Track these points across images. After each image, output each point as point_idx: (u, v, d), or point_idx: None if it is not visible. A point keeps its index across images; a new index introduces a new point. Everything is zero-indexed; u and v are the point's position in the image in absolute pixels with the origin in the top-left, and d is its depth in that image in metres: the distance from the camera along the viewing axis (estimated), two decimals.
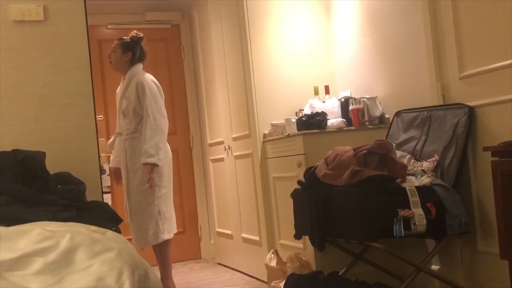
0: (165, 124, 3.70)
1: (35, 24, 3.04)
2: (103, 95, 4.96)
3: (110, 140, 4.00)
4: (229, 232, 4.51)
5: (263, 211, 3.84)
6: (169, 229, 3.75)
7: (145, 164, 3.58)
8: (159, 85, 3.80)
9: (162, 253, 3.78)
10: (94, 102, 3.15)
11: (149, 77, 3.78)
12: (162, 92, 3.81)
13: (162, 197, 3.71)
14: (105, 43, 4.94)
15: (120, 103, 3.84)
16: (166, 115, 3.74)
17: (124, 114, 3.78)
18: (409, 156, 3.07)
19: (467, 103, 2.88)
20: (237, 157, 4.24)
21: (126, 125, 3.78)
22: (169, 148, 3.85)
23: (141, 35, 3.87)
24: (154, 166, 3.58)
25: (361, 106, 3.54)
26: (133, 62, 3.82)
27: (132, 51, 3.82)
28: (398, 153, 3.11)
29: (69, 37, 3.10)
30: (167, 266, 3.79)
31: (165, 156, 3.73)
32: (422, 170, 2.90)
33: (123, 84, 3.85)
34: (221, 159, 4.57)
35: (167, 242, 3.77)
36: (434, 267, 3.16)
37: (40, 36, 3.06)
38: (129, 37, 3.85)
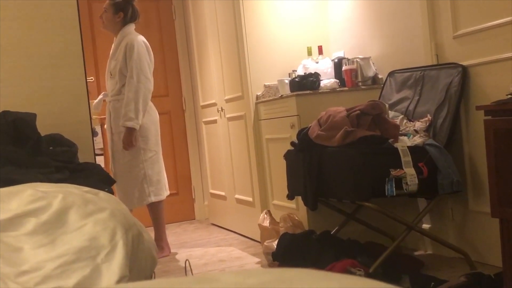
0: (149, 86, 3.65)
1: None
2: (94, 57, 4.89)
3: (95, 101, 3.91)
4: (223, 193, 4.53)
5: (256, 172, 3.85)
6: (156, 192, 3.75)
7: (124, 127, 3.58)
8: (149, 48, 3.74)
9: (154, 214, 3.81)
10: (84, 63, 3.11)
11: (141, 38, 3.72)
12: (152, 56, 3.74)
13: (148, 161, 3.71)
14: (94, 2, 4.84)
15: (109, 64, 3.80)
16: (151, 78, 3.69)
17: (111, 74, 3.74)
18: (401, 116, 3.07)
19: (461, 63, 2.86)
20: (230, 119, 4.22)
21: (112, 86, 3.74)
22: (155, 110, 3.81)
23: None
24: (132, 130, 3.58)
25: (354, 66, 3.52)
26: (125, 22, 3.76)
27: (123, 11, 3.75)
28: (391, 113, 3.10)
29: None
30: (160, 227, 3.83)
31: (150, 119, 3.71)
32: (415, 130, 2.90)
33: (114, 44, 3.80)
34: (214, 121, 4.55)
35: (158, 203, 3.80)
36: (425, 225, 3.20)
37: None
38: None
